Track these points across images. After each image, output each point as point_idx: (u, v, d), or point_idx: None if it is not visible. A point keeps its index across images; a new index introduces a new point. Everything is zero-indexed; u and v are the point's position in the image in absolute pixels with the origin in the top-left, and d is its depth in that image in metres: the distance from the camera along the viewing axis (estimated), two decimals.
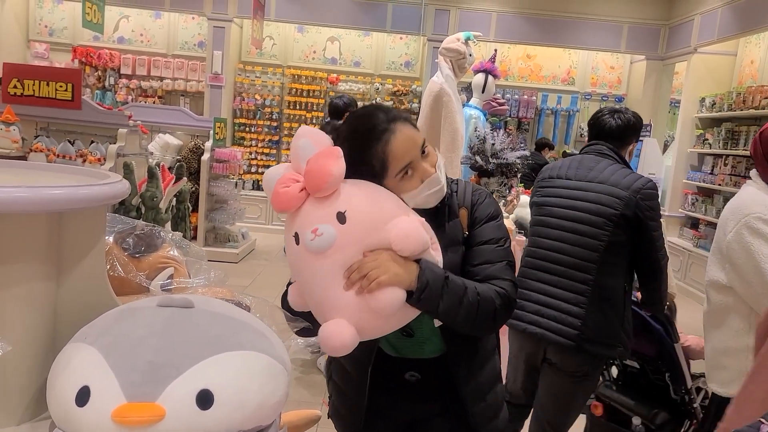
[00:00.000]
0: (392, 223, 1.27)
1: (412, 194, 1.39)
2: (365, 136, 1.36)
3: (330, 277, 1.28)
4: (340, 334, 1.27)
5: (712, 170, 7.29)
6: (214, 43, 8.51)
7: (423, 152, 1.40)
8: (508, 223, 4.21)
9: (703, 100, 7.63)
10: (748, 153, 6.45)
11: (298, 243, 1.30)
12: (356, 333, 1.27)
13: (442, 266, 1.37)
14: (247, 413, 1.09)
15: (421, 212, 1.39)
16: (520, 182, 6.43)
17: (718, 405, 2.10)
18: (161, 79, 8.95)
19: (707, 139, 7.45)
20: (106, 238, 1.48)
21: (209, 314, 1.18)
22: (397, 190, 1.37)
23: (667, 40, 8.44)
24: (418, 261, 1.31)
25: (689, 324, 5.67)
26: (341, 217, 1.25)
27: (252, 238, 7.70)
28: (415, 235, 1.27)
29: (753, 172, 2.08)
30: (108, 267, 1.39)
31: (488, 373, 1.59)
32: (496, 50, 5.45)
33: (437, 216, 1.47)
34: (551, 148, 8.47)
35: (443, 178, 1.44)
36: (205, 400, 1.04)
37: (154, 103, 8.79)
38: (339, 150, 1.28)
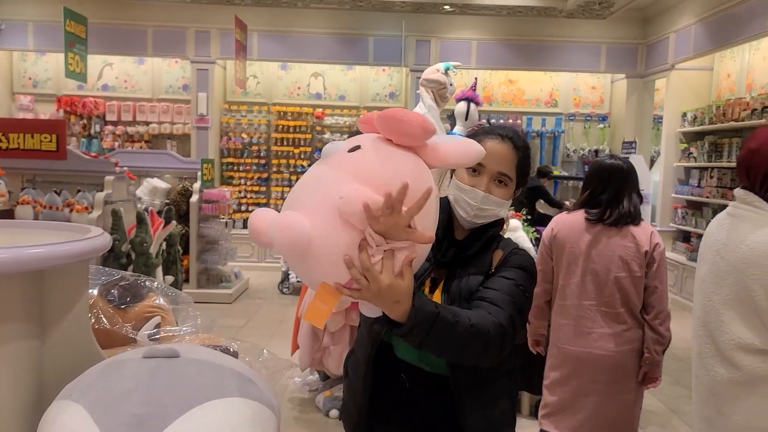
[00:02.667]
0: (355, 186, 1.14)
1: (458, 185, 1.54)
2: (488, 128, 1.60)
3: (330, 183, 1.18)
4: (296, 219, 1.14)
5: (699, 183, 7.36)
6: (198, 85, 8.59)
7: (500, 180, 1.53)
8: None
9: (684, 114, 7.74)
10: (732, 165, 6.52)
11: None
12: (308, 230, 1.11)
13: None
14: None
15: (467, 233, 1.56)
16: (511, 206, 6.48)
17: None
18: (147, 123, 9.00)
19: (692, 153, 7.53)
20: (91, 291, 1.47)
21: (195, 363, 1.18)
22: (457, 173, 1.56)
23: (645, 57, 8.58)
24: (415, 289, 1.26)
25: (687, 338, 5.63)
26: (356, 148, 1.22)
27: (245, 277, 7.67)
28: (355, 203, 1.11)
29: (742, 192, 1.76)
30: (93, 320, 1.38)
31: (498, 413, 1.54)
32: (476, 78, 5.52)
33: (476, 242, 1.56)
34: (549, 177, 8.52)
35: (495, 211, 1.54)
36: None
37: (141, 147, 8.82)
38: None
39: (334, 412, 3.90)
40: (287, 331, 4.73)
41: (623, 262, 2.59)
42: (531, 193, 7.91)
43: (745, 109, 6.37)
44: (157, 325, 1.53)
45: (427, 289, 1.55)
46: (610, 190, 2.64)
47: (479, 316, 1.37)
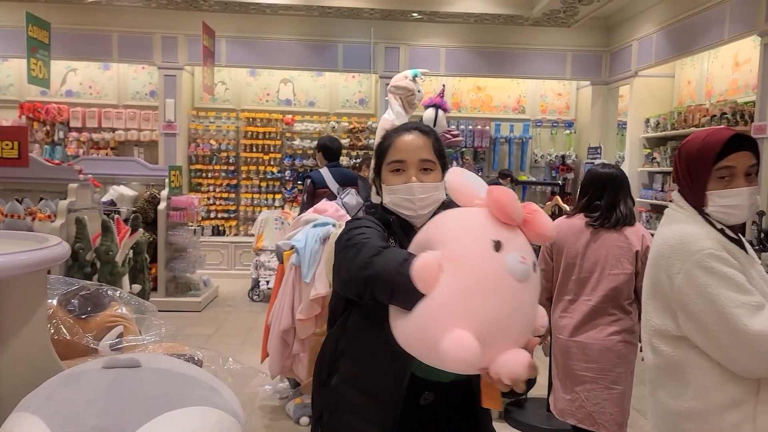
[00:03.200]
0: None
1: (389, 188, 1.59)
2: (393, 129, 1.66)
3: (522, 306, 1.21)
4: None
5: (662, 187, 7.52)
6: (165, 91, 8.50)
7: (425, 168, 1.58)
8: None
9: (647, 120, 7.91)
10: None
11: (498, 251, 1.20)
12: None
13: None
14: None
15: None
16: None
17: None
18: (113, 130, 8.86)
19: (655, 158, 7.70)
20: (50, 301, 1.45)
21: (157, 372, 1.17)
22: (383, 178, 1.62)
23: (609, 65, 8.76)
24: None
25: None
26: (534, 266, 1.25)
27: (214, 285, 7.58)
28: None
29: (675, 194, 1.81)
30: (52, 331, 1.36)
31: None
32: (444, 85, 5.58)
33: None
34: (512, 179, 8.64)
35: (435, 195, 1.57)
36: None
37: (106, 154, 8.68)
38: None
39: (305, 420, 3.88)
40: (257, 338, 4.69)
41: (616, 260, 2.83)
42: None
43: (705, 115, 6.54)
44: (120, 335, 1.51)
45: None
46: (607, 197, 2.89)
47: None
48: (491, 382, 1.20)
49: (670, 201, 1.84)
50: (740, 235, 1.79)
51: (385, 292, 1.27)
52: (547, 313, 3.09)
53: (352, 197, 4.97)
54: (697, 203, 1.72)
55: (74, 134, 8.78)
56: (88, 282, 1.58)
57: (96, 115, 8.84)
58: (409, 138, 1.60)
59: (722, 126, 2.05)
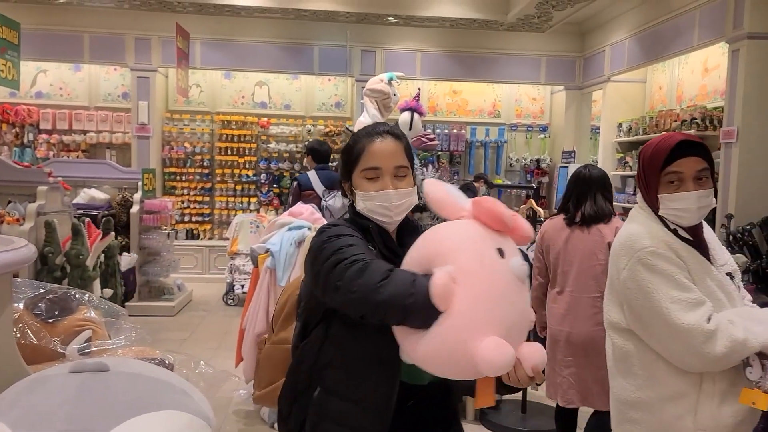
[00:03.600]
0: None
1: (364, 195, 1.57)
2: (363, 132, 1.62)
3: (526, 303, 1.34)
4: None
5: (635, 191, 7.64)
6: (138, 93, 8.38)
7: (398, 175, 1.57)
8: None
9: (620, 125, 8.03)
10: None
11: (503, 257, 1.30)
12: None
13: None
14: None
15: (405, 226, 1.63)
16: None
17: None
18: (84, 132, 8.72)
19: (627, 162, 7.82)
20: (16, 304, 1.41)
21: (126, 376, 1.14)
22: (355, 183, 1.59)
23: (583, 70, 8.87)
24: None
25: None
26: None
27: (188, 290, 7.49)
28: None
29: (639, 197, 1.89)
30: (18, 335, 1.33)
31: None
32: (419, 88, 5.60)
33: (408, 231, 1.63)
34: (486, 182, 8.69)
35: (410, 201, 1.58)
36: None
37: (77, 157, 8.53)
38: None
39: None
40: (232, 343, 4.65)
41: (591, 253, 3.06)
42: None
43: (675, 120, 6.66)
44: (88, 339, 1.48)
45: None
46: (574, 195, 3.16)
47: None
48: (486, 381, 1.29)
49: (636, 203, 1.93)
50: (707, 235, 1.85)
51: (397, 317, 1.30)
52: (544, 307, 3.26)
53: (337, 200, 5.00)
54: (653, 205, 1.81)
55: (44, 136, 8.63)
56: (56, 285, 1.55)
57: (67, 117, 8.70)
58: (383, 144, 1.57)
59: (675, 131, 2.15)
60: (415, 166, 4.34)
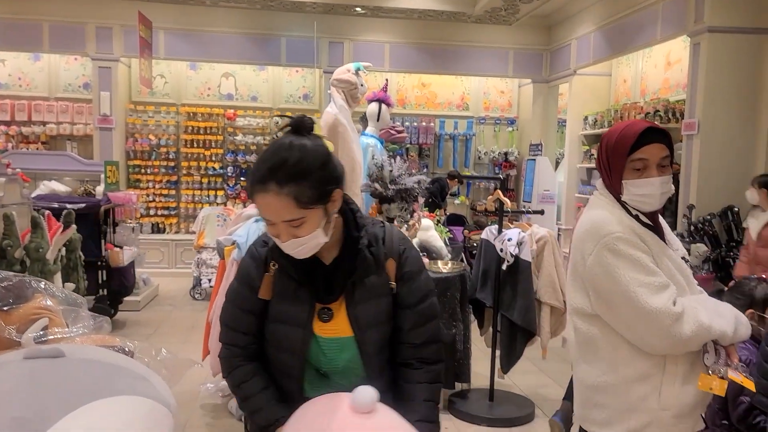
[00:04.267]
0: None
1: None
2: (251, 173, 1.43)
3: None
4: None
5: None
6: (100, 84, 8.18)
7: (293, 225, 1.40)
8: None
9: (586, 118, 8.14)
10: None
11: None
12: None
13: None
14: None
15: (337, 263, 1.54)
16: (424, 206, 6.58)
17: None
18: (44, 123, 8.49)
19: (593, 155, 7.93)
20: None
21: (82, 362, 1.11)
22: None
23: (550, 63, 8.96)
24: None
25: None
26: None
27: (154, 284, 7.37)
28: None
29: (599, 183, 1.89)
30: None
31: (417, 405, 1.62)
32: (387, 80, 5.58)
33: (357, 268, 1.51)
34: (459, 179, 8.74)
35: (312, 244, 1.44)
36: None
37: (37, 149, 8.31)
38: None
39: None
40: (199, 337, 4.59)
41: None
42: (440, 192, 8.12)
43: (639, 113, 6.78)
44: (45, 328, 1.43)
45: (317, 321, 1.52)
46: None
47: (429, 383, 1.59)
48: None
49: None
50: (660, 222, 1.89)
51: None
52: None
53: None
54: (615, 191, 1.81)
55: (2, 128, 8.39)
56: (11, 273, 1.49)
57: (26, 108, 8.46)
58: (264, 200, 1.38)
59: (638, 119, 2.13)
60: (383, 158, 4.34)
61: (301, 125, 1.44)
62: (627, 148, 1.74)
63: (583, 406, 1.86)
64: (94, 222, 5.78)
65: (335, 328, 1.51)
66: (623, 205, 1.80)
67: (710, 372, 1.66)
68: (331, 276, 1.52)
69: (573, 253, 1.86)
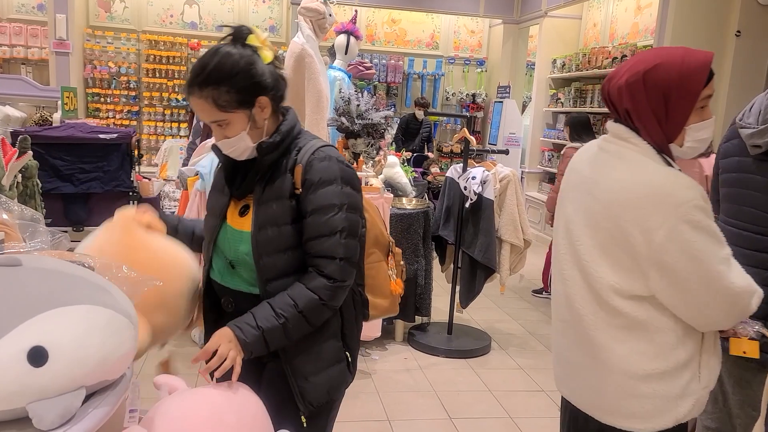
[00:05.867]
0: None
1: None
2: (188, 79, 1.56)
3: None
4: None
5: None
6: (55, 5, 7.74)
7: (219, 124, 1.55)
8: (377, 182, 4.29)
9: (554, 61, 8.12)
10: (596, 110, 6.98)
11: None
12: None
13: None
14: (88, 369, 1.05)
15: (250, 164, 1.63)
16: (391, 144, 6.54)
17: None
18: None
19: (560, 99, 7.97)
20: None
21: (40, 271, 1.11)
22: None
23: (521, 4, 8.84)
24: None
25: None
26: None
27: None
28: None
29: (621, 128, 1.52)
30: None
31: (324, 348, 1.65)
32: (356, 11, 5.46)
33: (264, 168, 1.60)
34: (426, 109, 8.55)
35: (241, 147, 1.58)
36: (37, 357, 0.98)
37: None
38: None
39: None
40: None
41: None
42: (409, 128, 8.08)
43: (607, 58, 6.79)
44: (1, 242, 1.41)
45: (235, 214, 1.65)
46: None
47: (301, 293, 1.54)
48: None
49: (605, 135, 1.61)
50: None
51: None
52: None
53: None
54: (665, 139, 1.49)
55: None
56: None
57: None
58: (192, 104, 1.55)
59: (676, 46, 1.52)
60: (350, 92, 4.29)
61: (238, 34, 1.56)
62: (701, 84, 1.45)
63: (620, 399, 1.54)
64: (126, 152, 5.57)
65: (245, 222, 1.61)
66: (664, 158, 1.49)
67: (739, 336, 1.56)
68: (246, 175, 1.65)
69: (610, 222, 1.48)
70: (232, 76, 1.50)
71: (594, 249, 1.53)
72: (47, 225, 1.58)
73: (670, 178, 1.43)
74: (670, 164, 1.48)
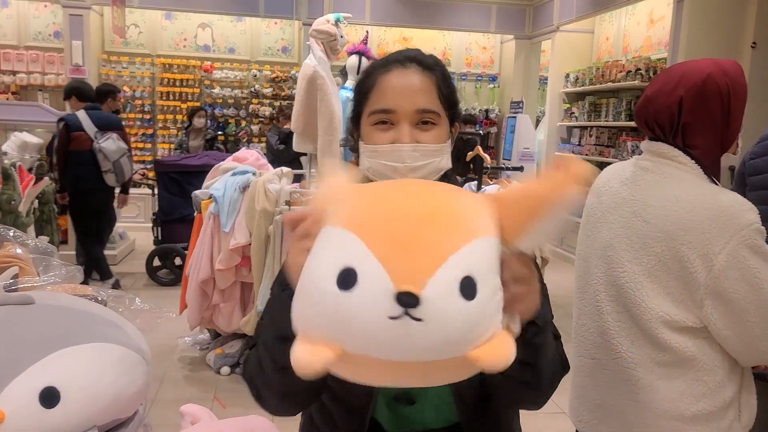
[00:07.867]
0: None
1: (370, 149, 1.14)
2: (380, 60, 1.18)
3: None
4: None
5: (579, 141, 7.78)
6: (71, 32, 7.89)
7: (425, 120, 1.12)
8: None
9: (567, 75, 8.10)
10: (609, 124, 6.93)
11: None
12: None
13: None
14: (100, 407, 1.03)
15: None
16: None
17: None
18: (14, 73, 8.23)
19: (573, 113, 7.93)
20: None
21: (53, 309, 1.09)
22: (362, 132, 1.17)
23: (533, 19, 8.85)
24: None
25: (567, 286, 6.05)
26: None
27: (131, 238, 7.30)
28: None
29: (667, 149, 1.43)
30: None
31: None
32: (368, 32, 5.47)
33: None
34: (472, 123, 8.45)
35: (434, 164, 1.13)
36: (49, 397, 0.97)
37: (7, 99, 8.07)
38: None
39: (225, 369, 3.84)
40: (176, 291, 4.58)
41: None
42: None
43: (621, 71, 6.76)
44: (15, 276, 1.41)
45: None
46: None
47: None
48: None
49: (610, 156, 1.53)
50: None
51: None
52: None
53: (111, 142, 5.01)
54: (720, 151, 1.42)
55: None
56: None
57: None
58: (403, 77, 1.10)
59: (699, 58, 1.44)
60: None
61: None
62: (746, 88, 1.41)
63: None
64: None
65: None
66: (709, 176, 1.41)
67: None
68: None
69: (664, 245, 1.36)
70: (443, 69, 1.18)
71: (641, 276, 1.40)
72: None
73: (732, 199, 1.34)
74: (716, 183, 1.41)
